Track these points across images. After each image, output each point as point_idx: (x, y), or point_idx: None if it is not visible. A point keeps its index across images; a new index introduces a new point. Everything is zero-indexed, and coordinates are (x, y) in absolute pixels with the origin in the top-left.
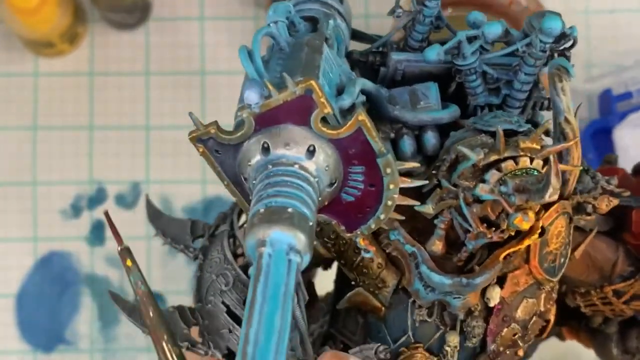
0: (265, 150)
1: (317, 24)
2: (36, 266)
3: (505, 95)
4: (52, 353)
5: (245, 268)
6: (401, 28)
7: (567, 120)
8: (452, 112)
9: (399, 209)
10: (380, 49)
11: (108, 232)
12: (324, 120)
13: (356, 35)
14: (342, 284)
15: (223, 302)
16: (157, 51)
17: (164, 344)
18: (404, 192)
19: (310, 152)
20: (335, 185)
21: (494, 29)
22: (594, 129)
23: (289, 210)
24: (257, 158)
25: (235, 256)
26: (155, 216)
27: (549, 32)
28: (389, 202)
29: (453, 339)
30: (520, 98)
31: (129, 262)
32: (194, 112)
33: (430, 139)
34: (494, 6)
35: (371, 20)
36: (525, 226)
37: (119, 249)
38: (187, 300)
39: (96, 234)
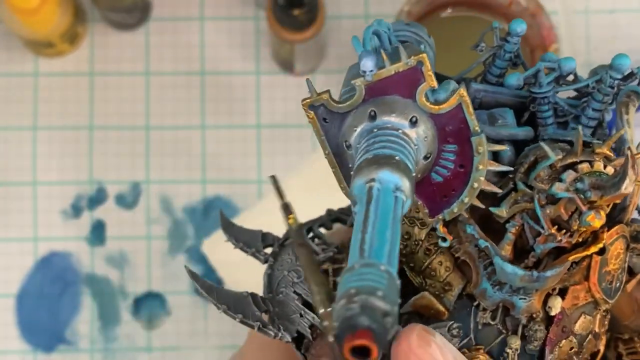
0: (372, 117)
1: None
2: (36, 266)
3: (572, 129)
4: (52, 353)
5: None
6: (480, 63)
7: (629, 149)
8: (527, 130)
9: (473, 207)
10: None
11: (108, 232)
12: (426, 95)
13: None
14: (403, 289)
15: (295, 292)
16: (157, 51)
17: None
18: (480, 196)
19: (413, 123)
20: (430, 159)
21: (570, 63)
22: None
23: (396, 157)
24: (363, 124)
25: None
26: (228, 225)
27: (619, 68)
28: (475, 184)
29: (515, 342)
30: (586, 134)
31: (291, 219)
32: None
33: (507, 152)
34: (493, 6)
35: (371, 20)
36: (597, 224)
37: (282, 204)
38: (188, 300)
39: (96, 234)
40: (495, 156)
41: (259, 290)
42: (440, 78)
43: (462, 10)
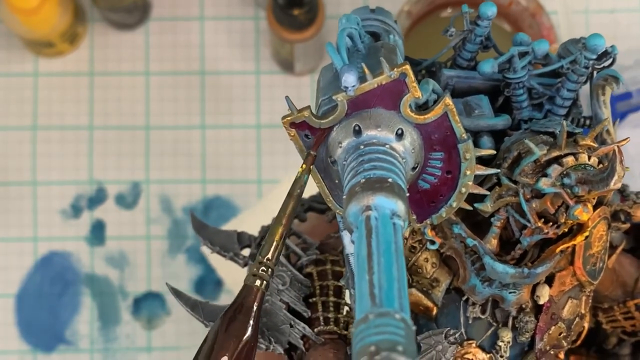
0: (357, 132)
1: (379, 38)
2: (36, 266)
3: (547, 110)
4: (52, 353)
5: (299, 269)
6: (451, 47)
7: (607, 131)
8: (505, 120)
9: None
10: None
11: (108, 232)
12: (410, 106)
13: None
14: None
15: (281, 300)
16: (157, 51)
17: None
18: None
19: (399, 135)
20: (417, 169)
21: (543, 46)
22: None
23: (389, 180)
24: (348, 140)
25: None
26: (201, 227)
27: (594, 49)
28: (463, 190)
29: (506, 335)
30: (561, 113)
31: (303, 166)
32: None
33: (487, 143)
34: None
35: None
36: (585, 217)
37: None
38: None
39: (96, 234)
40: (475, 147)
41: None
42: (410, 62)
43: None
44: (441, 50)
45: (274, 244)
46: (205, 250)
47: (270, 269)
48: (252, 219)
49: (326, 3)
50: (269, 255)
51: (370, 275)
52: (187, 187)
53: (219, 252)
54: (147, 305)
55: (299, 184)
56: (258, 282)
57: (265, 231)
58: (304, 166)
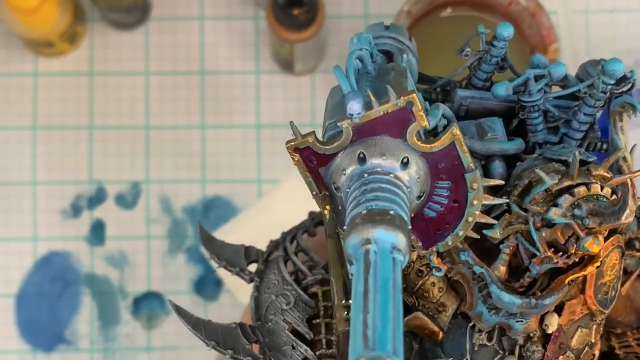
0: (362, 160)
1: (392, 57)
2: (36, 266)
3: (563, 134)
4: (52, 353)
5: (305, 289)
6: (466, 67)
7: (625, 159)
8: (518, 144)
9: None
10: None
11: (108, 232)
12: (418, 134)
13: (418, 77)
14: None
15: (285, 321)
16: (157, 51)
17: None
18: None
19: (405, 164)
20: (423, 198)
21: (560, 69)
22: None
23: (391, 212)
24: (352, 167)
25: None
26: (208, 240)
27: (612, 75)
28: (470, 219)
29: None
30: (577, 138)
31: (328, 209)
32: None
33: (498, 168)
34: (494, 6)
35: (371, 20)
36: (596, 249)
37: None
38: (188, 300)
39: (96, 234)
40: (487, 172)
41: None
42: (425, 79)
43: (462, 10)
44: (456, 69)
45: (343, 287)
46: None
47: None
48: (252, 219)
49: (326, 3)
50: (344, 299)
51: (365, 314)
52: (187, 187)
53: (225, 267)
54: (147, 305)
55: (331, 225)
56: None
57: (274, 246)
58: (328, 207)
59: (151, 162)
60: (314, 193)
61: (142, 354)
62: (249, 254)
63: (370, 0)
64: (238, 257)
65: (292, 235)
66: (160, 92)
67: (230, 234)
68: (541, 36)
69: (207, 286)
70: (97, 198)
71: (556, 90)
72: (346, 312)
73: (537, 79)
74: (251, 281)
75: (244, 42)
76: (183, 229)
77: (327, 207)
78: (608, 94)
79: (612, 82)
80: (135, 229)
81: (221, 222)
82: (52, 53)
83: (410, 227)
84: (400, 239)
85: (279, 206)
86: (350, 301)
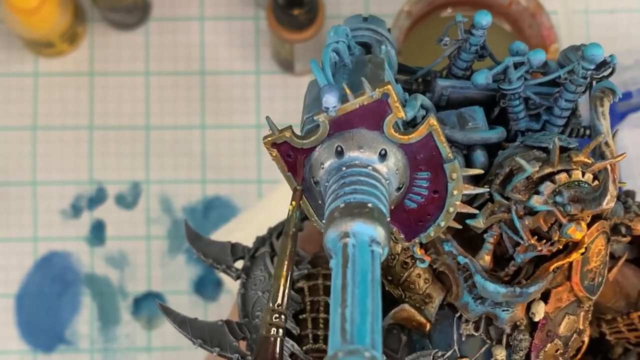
0: (339, 153)
1: (370, 49)
2: (36, 266)
3: (545, 121)
4: (52, 353)
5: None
6: (446, 57)
7: (606, 144)
8: (499, 132)
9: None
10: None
11: (108, 232)
12: (395, 125)
13: (399, 67)
14: (383, 301)
15: None
16: (157, 51)
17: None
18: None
19: (382, 156)
20: (402, 190)
21: (539, 56)
22: None
23: (369, 205)
24: (330, 161)
25: None
26: (195, 238)
27: (592, 59)
28: (451, 209)
29: (500, 353)
30: (559, 124)
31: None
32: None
33: (480, 157)
34: (494, 6)
35: None
36: (579, 236)
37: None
38: (188, 300)
39: (96, 234)
40: (468, 161)
41: None
42: (405, 70)
43: (462, 10)
44: (436, 59)
45: (281, 288)
46: None
47: (283, 315)
48: (252, 219)
49: (326, 3)
50: (279, 301)
51: (343, 308)
52: (187, 187)
53: (211, 264)
54: (147, 305)
55: (292, 222)
56: (274, 331)
57: (261, 242)
58: (293, 203)
59: (151, 162)
60: (293, 188)
61: (142, 354)
62: (235, 250)
63: (370, 0)
64: (224, 254)
65: (278, 230)
66: (160, 92)
67: (230, 234)
68: (541, 36)
69: (207, 286)
70: (97, 198)
71: (537, 77)
72: (269, 317)
73: (517, 66)
74: (237, 277)
75: (244, 42)
76: (183, 229)
77: (292, 203)
78: (588, 79)
79: (592, 67)
80: (135, 229)
81: (221, 222)
82: (52, 53)
83: (389, 219)
84: (378, 232)
85: (279, 206)
86: (277, 305)
